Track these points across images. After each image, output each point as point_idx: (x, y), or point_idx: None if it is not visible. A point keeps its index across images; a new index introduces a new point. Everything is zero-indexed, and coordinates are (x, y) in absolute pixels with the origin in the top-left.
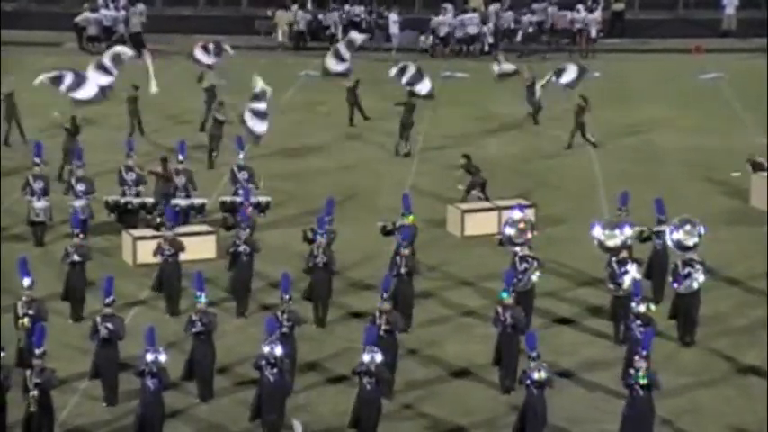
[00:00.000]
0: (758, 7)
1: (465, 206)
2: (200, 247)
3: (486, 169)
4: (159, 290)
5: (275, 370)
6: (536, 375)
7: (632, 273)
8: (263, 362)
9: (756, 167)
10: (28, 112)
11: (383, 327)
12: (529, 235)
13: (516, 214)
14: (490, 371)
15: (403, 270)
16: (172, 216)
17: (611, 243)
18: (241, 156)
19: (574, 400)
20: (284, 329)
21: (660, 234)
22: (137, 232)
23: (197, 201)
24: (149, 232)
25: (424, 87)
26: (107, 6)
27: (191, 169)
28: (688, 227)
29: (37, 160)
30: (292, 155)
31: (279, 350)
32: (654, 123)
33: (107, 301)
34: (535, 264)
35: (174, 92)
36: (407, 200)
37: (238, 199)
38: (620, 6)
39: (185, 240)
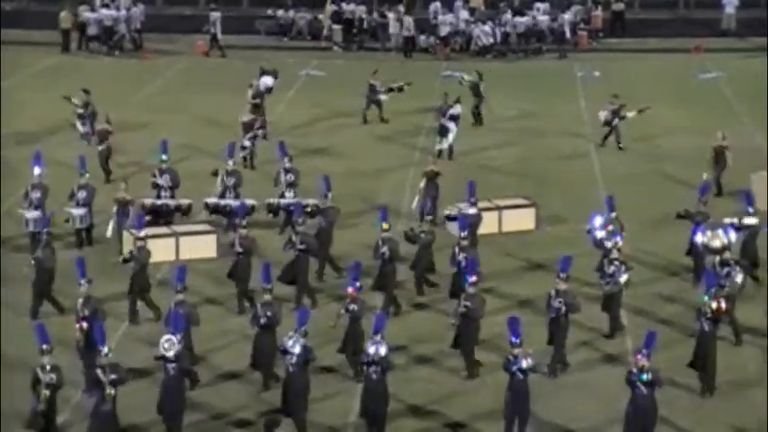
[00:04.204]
0: (758, 7)
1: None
2: (200, 246)
3: (487, 169)
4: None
5: (295, 362)
6: (524, 363)
7: (737, 273)
8: (286, 357)
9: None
10: (28, 112)
11: (468, 307)
12: (617, 238)
13: (599, 219)
14: (493, 373)
15: (463, 264)
16: (241, 212)
17: (715, 244)
18: (286, 159)
19: (576, 400)
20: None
21: (748, 226)
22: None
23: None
24: (150, 232)
25: None
26: (108, 6)
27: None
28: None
29: (36, 170)
30: (293, 154)
31: (297, 348)
32: (654, 123)
33: (179, 287)
34: (623, 267)
35: (174, 91)
36: (472, 186)
37: (284, 201)
38: (620, 6)
39: (185, 240)
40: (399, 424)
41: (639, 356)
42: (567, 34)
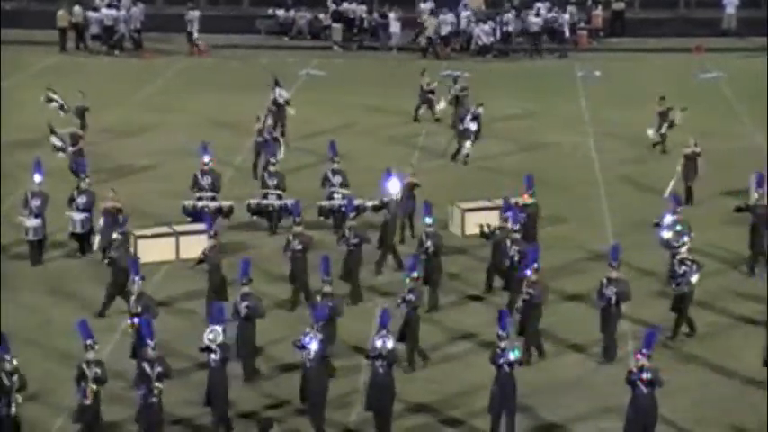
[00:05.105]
0: (758, 7)
1: (466, 205)
2: (201, 246)
3: (487, 168)
4: (293, 282)
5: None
6: (512, 356)
7: None
8: (303, 352)
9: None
10: (28, 112)
11: (531, 294)
12: (686, 238)
13: (669, 218)
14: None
15: (516, 258)
16: (296, 210)
17: None
18: (336, 159)
19: (576, 399)
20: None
21: None
22: (138, 231)
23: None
24: (150, 231)
25: None
26: (109, 5)
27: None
28: None
29: (37, 177)
30: (293, 152)
31: (314, 343)
32: (654, 122)
33: (244, 280)
34: (695, 267)
35: (174, 91)
36: (530, 180)
37: (336, 203)
38: (620, 6)
39: (186, 239)
40: (399, 423)
41: (639, 356)
42: (567, 34)
